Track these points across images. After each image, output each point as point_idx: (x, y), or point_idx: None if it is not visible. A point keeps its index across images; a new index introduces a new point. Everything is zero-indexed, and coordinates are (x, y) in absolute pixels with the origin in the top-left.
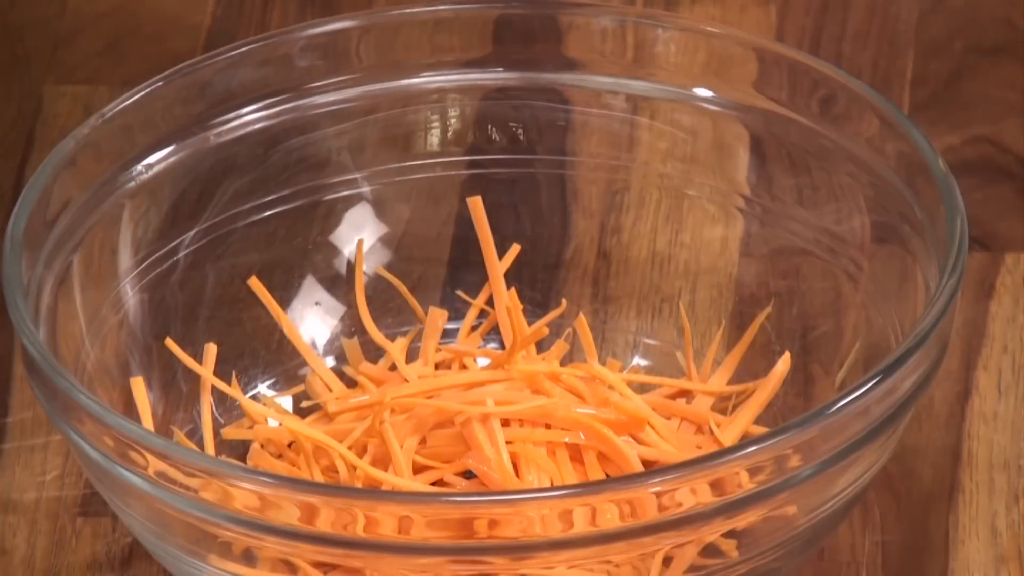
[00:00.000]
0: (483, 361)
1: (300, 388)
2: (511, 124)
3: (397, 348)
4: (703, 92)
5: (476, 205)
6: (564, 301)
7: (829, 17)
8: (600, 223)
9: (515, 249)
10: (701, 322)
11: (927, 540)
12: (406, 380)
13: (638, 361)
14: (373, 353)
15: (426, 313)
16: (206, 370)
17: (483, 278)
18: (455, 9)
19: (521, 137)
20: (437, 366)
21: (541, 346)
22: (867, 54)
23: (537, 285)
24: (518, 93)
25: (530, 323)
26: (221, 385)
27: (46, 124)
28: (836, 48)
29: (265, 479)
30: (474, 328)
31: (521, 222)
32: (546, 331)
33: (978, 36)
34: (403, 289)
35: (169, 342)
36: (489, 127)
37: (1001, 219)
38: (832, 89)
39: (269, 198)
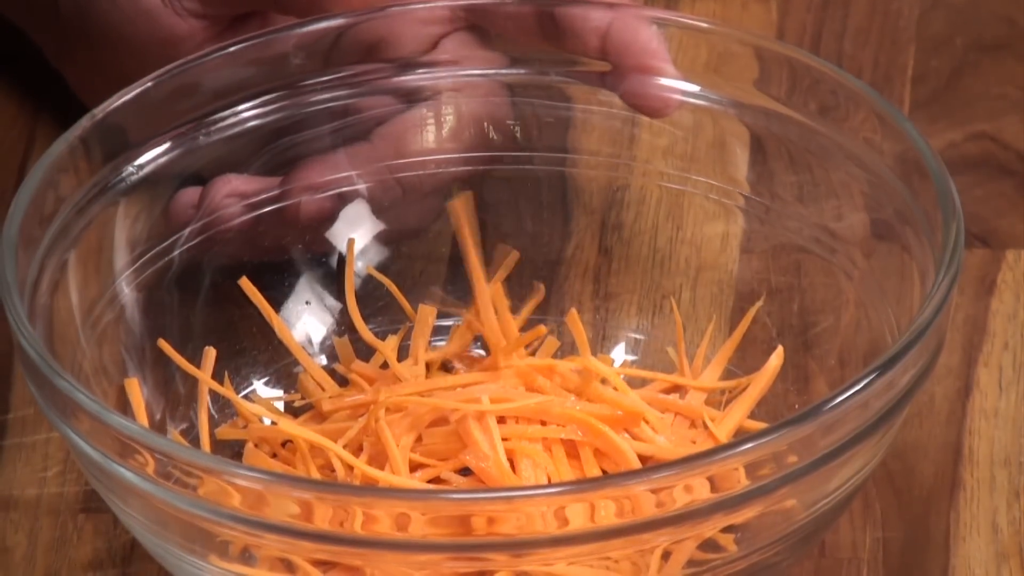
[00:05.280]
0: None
1: (297, 396)
2: (511, 121)
3: (389, 346)
4: (703, 90)
5: (456, 208)
6: (541, 286)
7: (830, 14)
8: (601, 220)
9: (514, 256)
10: (703, 319)
11: (928, 537)
12: (398, 378)
13: (640, 357)
14: (367, 350)
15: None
16: (204, 373)
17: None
18: (451, 7)
19: (521, 134)
20: (429, 365)
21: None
22: (868, 51)
23: (537, 282)
24: (518, 90)
25: (527, 320)
26: (216, 387)
27: (47, 122)
28: (837, 45)
29: (264, 476)
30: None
31: (522, 219)
32: (544, 330)
33: (979, 33)
34: (392, 287)
35: (163, 344)
36: (489, 124)
37: (1002, 216)
38: (831, 88)
39: (264, 196)
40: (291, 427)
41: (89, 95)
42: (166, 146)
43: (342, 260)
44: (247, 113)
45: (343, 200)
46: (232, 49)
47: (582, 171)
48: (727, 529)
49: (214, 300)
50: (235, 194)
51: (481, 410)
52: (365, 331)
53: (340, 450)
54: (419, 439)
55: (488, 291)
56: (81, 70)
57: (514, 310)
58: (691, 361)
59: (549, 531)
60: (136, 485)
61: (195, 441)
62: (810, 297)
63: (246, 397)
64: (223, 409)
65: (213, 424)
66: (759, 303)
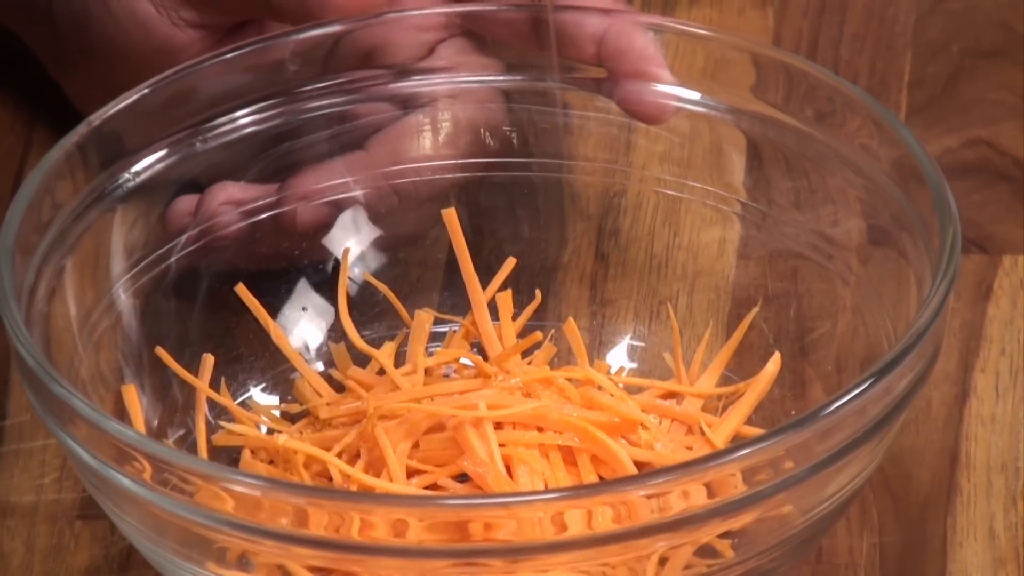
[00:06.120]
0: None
1: (296, 405)
2: (508, 127)
3: (385, 353)
4: (699, 96)
5: (451, 217)
6: (538, 292)
7: (826, 20)
8: (597, 226)
9: (510, 262)
10: (699, 325)
11: (925, 542)
12: (395, 384)
13: (637, 363)
14: (365, 356)
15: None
16: (201, 381)
17: (482, 281)
18: (447, 13)
19: (518, 140)
20: (427, 371)
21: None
22: (864, 57)
23: (535, 288)
24: (515, 96)
25: (525, 325)
26: (214, 395)
27: (44, 128)
28: (834, 51)
29: (261, 483)
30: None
31: (518, 225)
32: (540, 336)
33: (975, 39)
34: (389, 293)
35: (161, 352)
36: (485, 131)
37: (998, 221)
38: (827, 94)
39: (261, 202)
40: (287, 441)
41: (87, 106)
42: (163, 153)
43: (339, 266)
44: (244, 120)
45: (339, 207)
46: (229, 56)
47: (579, 177)
48: (724, 535)
49: (211, 306)
50: (231, 201)
51: (478, 417)
52: (357, 339)
53: (337, 462)
54: (416, 445)
55: (483, 297)
56: (78, 81)
57: (511, 316)
58: (688, 367)
59: (546, 537)
60: (133, 492)
61: (192, 447)
62: (807, 303)
63: (243, 403)
64: (220, 415)
65: (210, 430)
66: (756, 309)
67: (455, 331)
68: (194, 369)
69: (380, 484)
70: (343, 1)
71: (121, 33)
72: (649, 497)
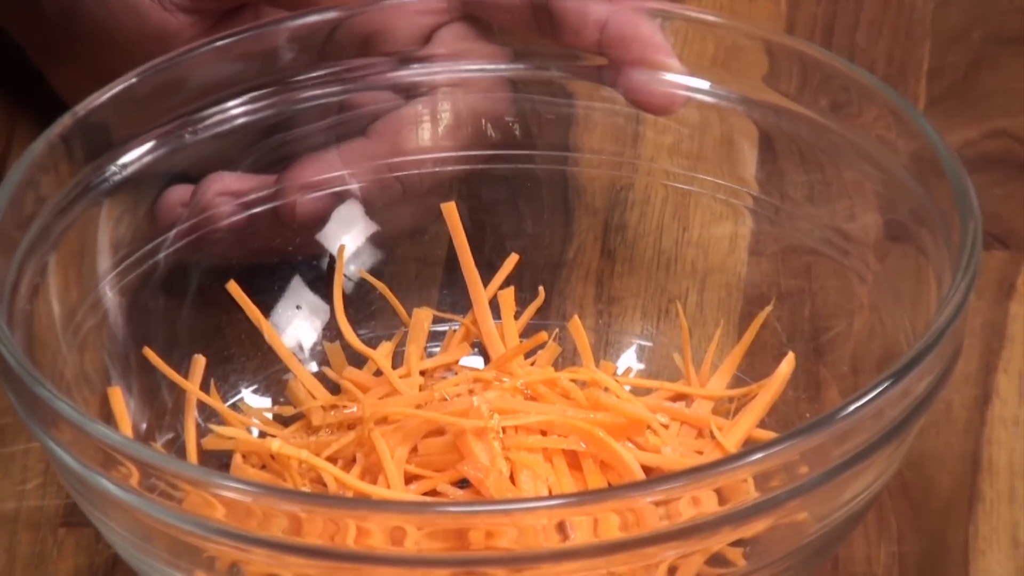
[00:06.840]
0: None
1: (289, 408)
2: (511, 118)
3: (382, 353)
4: (710, 86)
5: (451, 212)
6: (542, 290)
7: (842, 6)
8: (604, 221)
9: (513, 258)
10: (710, 323)
11: (945, 551)
12: (391, 385)
13: (645, 364)
14: (361, 356)
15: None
16: (191, 384)
17: (483, 278)
18: (448, 1)
19: (521, 131)
20: (426, 372)
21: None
22: (882, 45)
23: (539, 285)
24: (519, 86)
25: (527, 325)
26: (204, 398)
27: (28, 120)
28: (849, 39)
29: (253, 488)
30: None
31: (522, 220)
32: (545, 336)
33: (997, 26)
34: (386, 291)
35: (149, 353)
36: (488, 121)
37: (1021, 216)
38: (843, 83)
39: (253, 196)
40: (281, 446)
41: (74, 96)
42: (151, 144)
43: (334, 263)
44: (236, 110)
45: (341, 198)
46: (221, 43)
47: (584, 170)
48: (736, 543)
49: (201, 304)
50: (227, 192)
51: (482, 427)
52: (354, 339)
53: (333, 469)
54: (414, 449)
55: (485, 295)
56: (66, 70)
57: (513, 315)
58: (698, 368)
59: (550, 545)
60: (119, 498)
61: (181, 451)
62: (822, 301)
63: (233, 406)
64: (211, 417)
65: (200, 433)
66: (768, 307)
67: (455, 330)
68: (183, 370)
69: (377, 490)
70: None
71: (111, 18)
72: (657, 504)
